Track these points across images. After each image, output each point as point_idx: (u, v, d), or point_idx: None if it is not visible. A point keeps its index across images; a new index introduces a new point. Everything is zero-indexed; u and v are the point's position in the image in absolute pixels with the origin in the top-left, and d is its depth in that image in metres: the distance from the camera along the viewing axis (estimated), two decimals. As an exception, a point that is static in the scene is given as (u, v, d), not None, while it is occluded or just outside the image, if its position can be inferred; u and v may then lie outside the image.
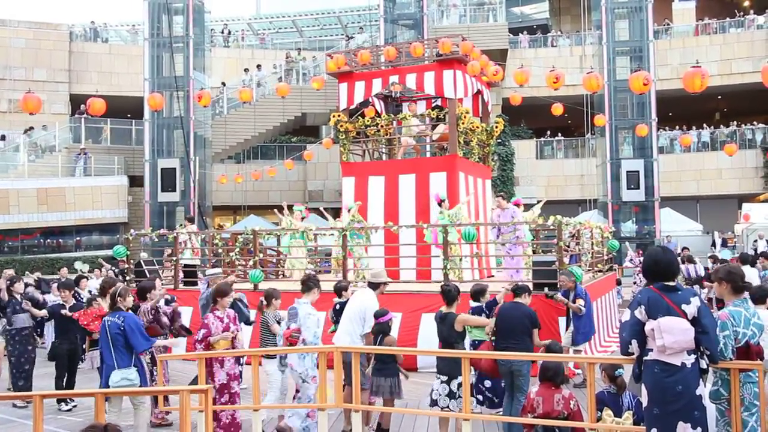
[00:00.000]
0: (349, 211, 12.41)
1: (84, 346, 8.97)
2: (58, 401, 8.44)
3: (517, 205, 12.40)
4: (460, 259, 10.95)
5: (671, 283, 4.26)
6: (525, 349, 6.24)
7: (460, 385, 5.91)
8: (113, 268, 15.54)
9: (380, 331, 6.56)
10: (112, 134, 26.93)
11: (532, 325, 6.40)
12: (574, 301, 8.54)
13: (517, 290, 6.74)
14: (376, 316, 6.61)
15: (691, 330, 4.11)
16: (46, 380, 9.04)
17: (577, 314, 8.53)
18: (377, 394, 6.48)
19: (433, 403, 6.17)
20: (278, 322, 7.27)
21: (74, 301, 8.98)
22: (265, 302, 7.35)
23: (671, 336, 4.07)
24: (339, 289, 7.63)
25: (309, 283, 6.84)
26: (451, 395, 6.02)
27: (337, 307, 7.40)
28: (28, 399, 7.11)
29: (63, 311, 8.69)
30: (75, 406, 8.42)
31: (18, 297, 8.89)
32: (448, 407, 6.01)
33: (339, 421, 7.11)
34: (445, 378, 6.10)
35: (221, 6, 32.23)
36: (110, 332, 6.18)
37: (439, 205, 11.67)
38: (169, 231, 13.98)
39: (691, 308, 4.15)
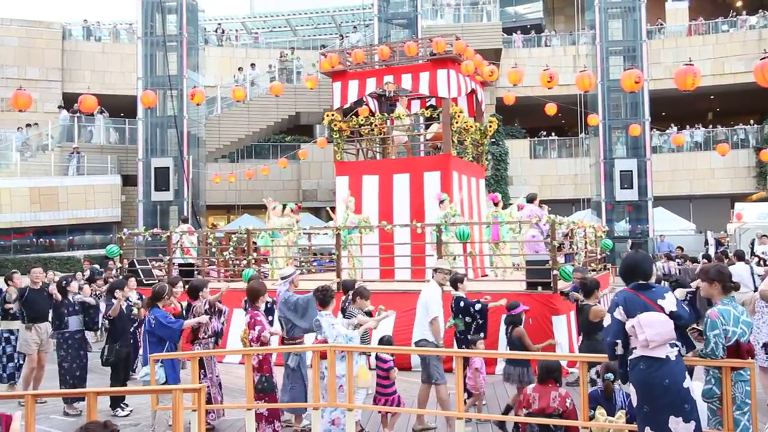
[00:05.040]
0: (441, 203, 11.68)
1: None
2: (113, 407, 7.81)
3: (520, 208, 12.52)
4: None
5: (645, 282, 4.36)
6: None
7: (597, 372, 6.01)
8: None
9: (512, 322, 6.90)
10: (105, 133, 26.83)
11: None
12: None
13: None
14: (509, 308, 7.02)
15: (670, 323, 4.19)
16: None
17: None
18: (508, 380, 6.78)
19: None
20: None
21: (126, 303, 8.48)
22: (351, 298, 7.27)
23: (652, 329, 4.15)
24: (454, 281, 7.63)
25: (327, 298, 6.61)
26: (593, 383, 6.19)
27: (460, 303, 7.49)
28: (21, 398, 7.05)
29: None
30: (132, 411, 7.87)
31: (71, 298, 8.12)
32: None
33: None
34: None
35: (215, 5, 32.14)
36: (145, 329, 6.54)
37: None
38: (163, 230, 13.93)
39: (667, 303, 4.25)
